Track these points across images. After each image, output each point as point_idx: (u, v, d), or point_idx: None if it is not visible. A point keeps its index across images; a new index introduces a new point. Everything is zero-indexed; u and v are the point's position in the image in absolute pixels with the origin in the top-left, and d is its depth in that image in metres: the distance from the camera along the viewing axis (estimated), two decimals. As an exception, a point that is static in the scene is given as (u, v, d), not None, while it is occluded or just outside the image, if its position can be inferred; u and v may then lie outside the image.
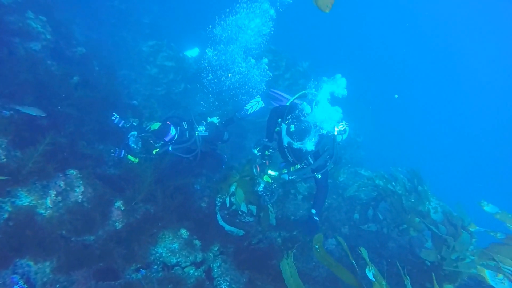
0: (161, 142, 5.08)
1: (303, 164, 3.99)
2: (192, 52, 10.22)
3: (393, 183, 5.52)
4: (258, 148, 4.42)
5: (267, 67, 6.77)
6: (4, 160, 3.42)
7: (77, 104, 4.61)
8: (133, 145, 5.13)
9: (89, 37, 11.48)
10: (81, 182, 3.85)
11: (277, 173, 4.35)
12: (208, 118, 5.31)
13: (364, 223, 6.40)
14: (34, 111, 3.74)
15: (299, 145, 3.77)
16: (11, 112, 4.05)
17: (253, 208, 5.00)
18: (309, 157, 3.94)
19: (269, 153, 4.39)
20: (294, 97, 4.92)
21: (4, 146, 3.48)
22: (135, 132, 5.15)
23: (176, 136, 5.00)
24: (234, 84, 6.73)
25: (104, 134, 5.37)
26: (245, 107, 5.60)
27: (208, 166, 6.39)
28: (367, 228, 6.14)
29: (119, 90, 6.21)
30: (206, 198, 5.38)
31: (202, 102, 9.16)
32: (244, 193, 4.93)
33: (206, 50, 6.60)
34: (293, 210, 6.53)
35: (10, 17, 5.09)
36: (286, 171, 4.08)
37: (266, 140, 4.33)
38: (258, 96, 5.76)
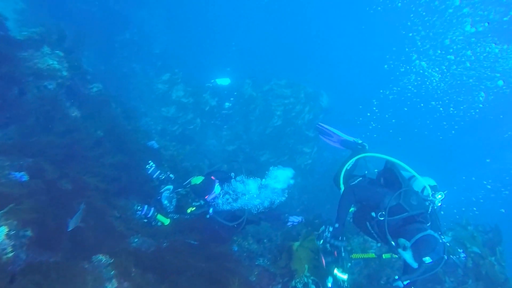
0: (201, 201, 4.16)
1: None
2: (223, 81, 9.68)
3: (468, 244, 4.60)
4: (322, 241, 3.28)
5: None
6: (10, 255, 2.43)
7: (105, 172, 3.72)
8: (165, 202, 4.18)
9: (97, 69, 10.86)
10: (112, 272, 2.85)
11: (348, 275, 3.32)
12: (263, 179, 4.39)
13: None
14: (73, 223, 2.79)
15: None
16: (23, 174, 3.13)
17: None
18: None
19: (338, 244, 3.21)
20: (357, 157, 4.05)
21: (12, 232, 2.50)
22: (171, 187, 4.22)
23: (221, 195, 4.09)
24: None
25: (130, 186, 4.45)
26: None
27: None
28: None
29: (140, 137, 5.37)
30: (255, 270, 4.38)
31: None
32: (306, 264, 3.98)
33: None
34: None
35: (24, 53, 4.30)
36: (397, 277, 3.02)
37: (333, 230, 3.17)
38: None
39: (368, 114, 12.68)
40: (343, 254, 3.16)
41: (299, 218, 5.11)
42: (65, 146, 3.81)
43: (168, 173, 4.30)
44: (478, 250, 4.39)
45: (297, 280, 3.78)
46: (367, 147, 4.35)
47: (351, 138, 4.63)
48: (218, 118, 10.22)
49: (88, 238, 2.95)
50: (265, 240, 5.24)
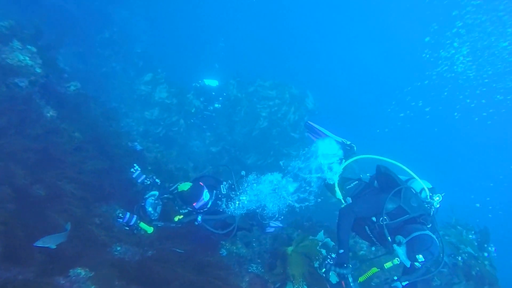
0: (189, 208, 3.92)
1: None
2: (212, 82, 9.55)
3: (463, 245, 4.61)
4: (324, 270, 3.17)
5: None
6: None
7: (84, 177, 3.43)
8: (150, 209, 3.91)
9: (75, 67, 10.37)
10: (93, 287, 2.59)
11: None
12: (255, 184, 4.20)
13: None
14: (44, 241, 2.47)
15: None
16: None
17: None
18: None
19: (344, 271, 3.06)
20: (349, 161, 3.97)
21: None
22: (156, 193, 3.96)
23: (210, 203, 3.87)
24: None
25: (112, 191, 4.14)
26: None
27: None
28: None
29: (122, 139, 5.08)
30: (246, 277, 4.19)
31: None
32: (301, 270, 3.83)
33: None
34: None
35: (-9, 47, 3.94)
36: (396, 278, 2.94)
37: (337, 257, 3.05)
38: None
39: (393, 102, 12.69)
40: (351, 283, 3.01)
41: (279, 224, 4.95)
42: (40, 148, 3.49)
43: (154, 177, 4.04)
44: (471, 250, 4.41)
45: (296, 286, 3.62)
46: (355, 148, 4.28)
47: (339, 139, 4.55)
48: (199, 118, 10.04)
49: (65, 249, 2.66)
50: (254, 244, 5.07)
